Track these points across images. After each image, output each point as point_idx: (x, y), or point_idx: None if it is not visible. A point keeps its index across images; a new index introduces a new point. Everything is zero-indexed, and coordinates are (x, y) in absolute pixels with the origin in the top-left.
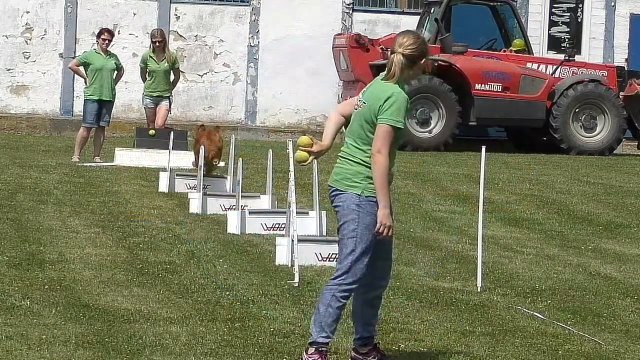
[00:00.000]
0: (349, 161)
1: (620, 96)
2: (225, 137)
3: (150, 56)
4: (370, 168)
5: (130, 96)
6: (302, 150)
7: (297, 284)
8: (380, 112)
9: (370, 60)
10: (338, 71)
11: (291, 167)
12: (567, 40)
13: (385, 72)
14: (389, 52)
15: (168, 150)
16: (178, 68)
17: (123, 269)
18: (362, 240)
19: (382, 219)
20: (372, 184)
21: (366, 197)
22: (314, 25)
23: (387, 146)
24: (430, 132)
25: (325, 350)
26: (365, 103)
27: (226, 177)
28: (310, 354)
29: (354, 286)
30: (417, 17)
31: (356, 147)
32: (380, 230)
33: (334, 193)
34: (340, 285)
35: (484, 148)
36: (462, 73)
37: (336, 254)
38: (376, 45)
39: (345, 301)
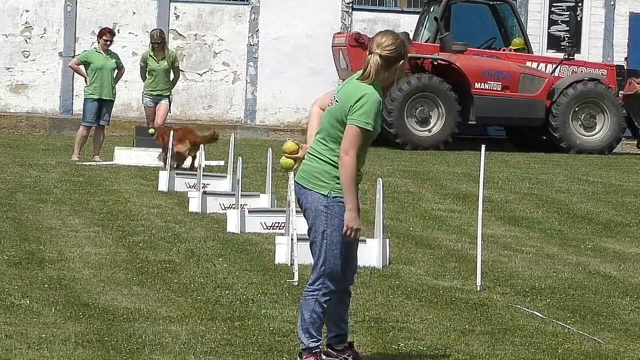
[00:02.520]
0: (317, 159)
1: (620, 95)
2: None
3: (150, 55)
4: (338, 168)
5: (129, 95)
6: (288, 157)
7: (296, 283)
8: (351, 112)
9: None
10: (338, 70)
11: None
12: (566, 39)
13: (361, 72)
14: (367, 52)
15: (167, 149)
16: (178, 67)
17: (123, 268)
18: (334, 242)
19: (348, 221)
20: (339, 184)
21: (333, 197)
22: (313, 24)
23: (355, 148)
24: (429, 131)
25: (318, 351)
26: (337, 101)
27: (225, 176)
28: (306, 358)
29: (333, 288)
30: (417, 16)
31: (325, 145)
32: (347, 234)
33: (300, 192)
34: (320, 290)
35: (483, 147)
36: (462, 72)
37: None
38: None
39: (327, 304)
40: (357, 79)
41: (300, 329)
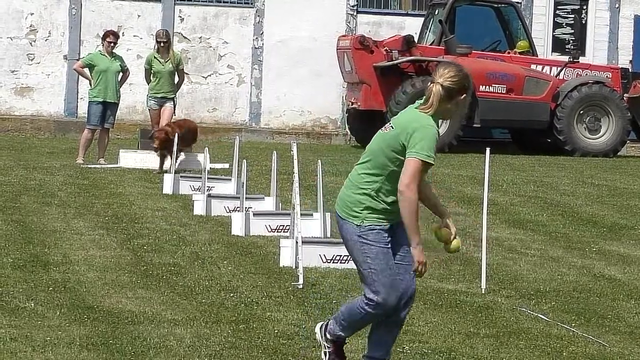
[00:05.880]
0: (353, 187)
1: (625, 98)
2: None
3: (154, 57)
4: (372, 198)
5: (134, 98)
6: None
7: (301, 286)
8: (411, 145)
9: (375, 62)
10: (342, 73)
11: (295, 169)
12: (571, 42)
13: (422, 101)
14: (429, 82)
15: (172, 152)
16: (182, 69)
17: (127, 271)
18: (379, 270)
19: (417, 257)
20: (371, 213)
21: (367, 226)
22: (318, 27)
23: (416, 181)
24: None
25: (341, 345)
26: (393, 128)
27: (230, 179)
28: (330, 348)
29: (393, 304)
30: (421, 19)
31: (366, 172)
32: (418, 270)
33: (338, 221)
34: (374, 309)
35: (488, 150)
36: None
37: (340, 255)
38: (380, 46)
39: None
40: (416, 108)
41: (335, 320)
